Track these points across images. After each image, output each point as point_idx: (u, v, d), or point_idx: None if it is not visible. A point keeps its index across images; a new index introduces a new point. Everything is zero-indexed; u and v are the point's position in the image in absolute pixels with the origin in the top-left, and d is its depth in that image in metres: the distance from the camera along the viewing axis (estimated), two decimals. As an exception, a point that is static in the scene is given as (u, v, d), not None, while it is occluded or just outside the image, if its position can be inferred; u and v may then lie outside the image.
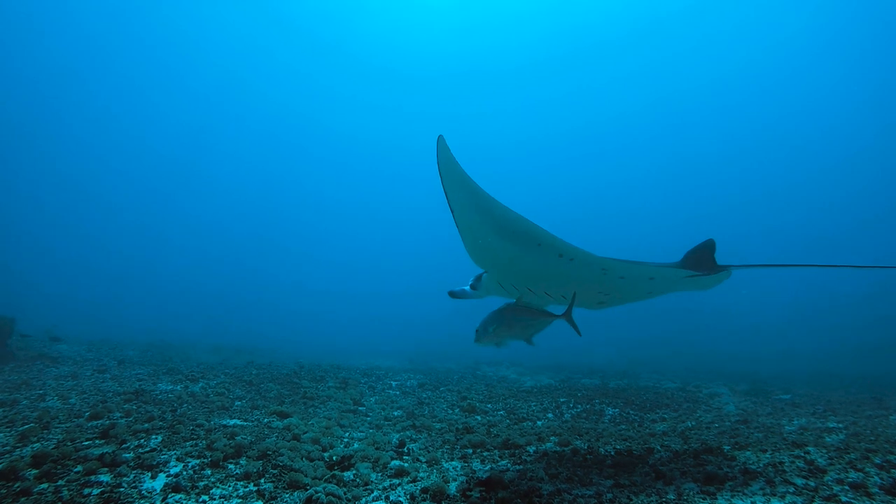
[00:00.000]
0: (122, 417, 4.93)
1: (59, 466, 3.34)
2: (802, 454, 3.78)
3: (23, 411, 5.08)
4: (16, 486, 3.05)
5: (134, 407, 5.41)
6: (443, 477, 3.41)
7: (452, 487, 3.15)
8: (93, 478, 3.19)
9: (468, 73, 49.95)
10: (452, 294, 4.21)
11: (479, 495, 2.98)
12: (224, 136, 52.58)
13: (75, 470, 3.31)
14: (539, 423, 6.56)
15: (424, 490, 3.12)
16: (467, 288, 4.19)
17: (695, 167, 50.75)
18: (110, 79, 45.35)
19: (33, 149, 45.68)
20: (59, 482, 3.12)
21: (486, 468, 3.82)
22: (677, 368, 15.95)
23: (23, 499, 2.88)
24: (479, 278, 4.10)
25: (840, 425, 6.07)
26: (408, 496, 3.06)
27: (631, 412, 7.53)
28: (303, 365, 9.49)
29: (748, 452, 4.06)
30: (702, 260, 3.73)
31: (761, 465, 3.56)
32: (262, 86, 50.09)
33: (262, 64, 48.45)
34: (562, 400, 7.98)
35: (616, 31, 45.63)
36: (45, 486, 3.07)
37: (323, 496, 2.64)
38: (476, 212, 3.07)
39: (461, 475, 3.49)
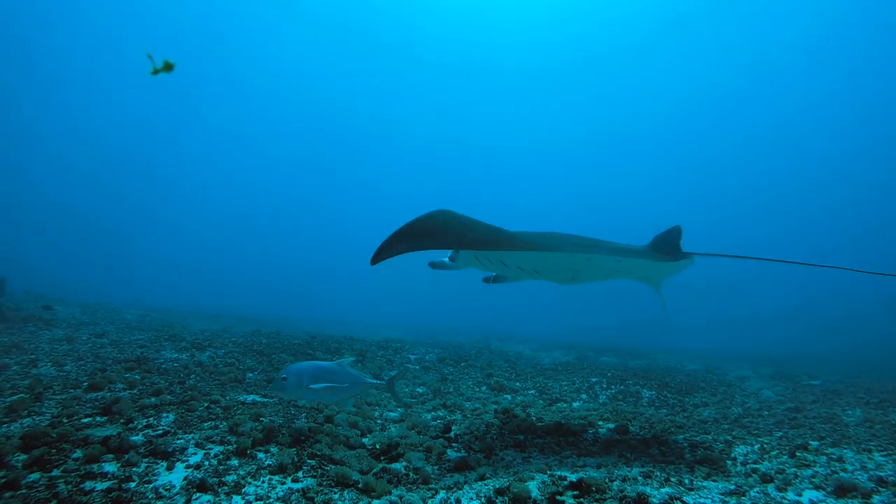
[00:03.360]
0: (125, 389, 4.36)
1: (53, 451, 2.76)
2: (930, 457, 3.26)
3: (12, 378, 4.50)
4: (0, 474, 2.47)
5: (137, 377, 4.83)
6: (515, 474, 2.86)
7: (533, 488, 2.60)
8: (95, 467, 2.61)
9: (482, 70, 49.17)
10: (433, 265, 4.32)
11: (575, 502, 2.43)
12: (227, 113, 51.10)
13: (74, 456, 2.73)
14: (575, 404, 6.07)
15: (500, 491, 2.56)
16: (446, 259, 4.29)
17: (705, 168, 50.75)
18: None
19: (38, 103, 44.19)
20: (55, 472, 2.54)
21: (551, 460, 3.29)
22: (687, 349, 15.58)
23: (7, 493, 2.31)
24: (457, 251, 4.15)
25: (907, 417, 5.60)
26: (483, 499, 2.51)
27: (668, 395, 7.05)
28: (314, 335, 8.92)
29: (848, 451, 3.55)
30: (667, 246, 3.77)
31: (888, 470, 3.04)
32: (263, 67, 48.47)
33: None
34: (593, 380, 7.48)
35: (625, 36, 45.31)
36: (36, 476, 2.49)
37: (401, 509, 2.07)
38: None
39: (534, 471, 2.94)
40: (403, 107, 52.92)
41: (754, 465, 3.26)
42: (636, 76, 47.84)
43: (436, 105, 52.91)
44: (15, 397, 3.79)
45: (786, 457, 3.45)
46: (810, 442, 3.87)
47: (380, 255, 2.98)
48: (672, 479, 2.86)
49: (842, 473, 3.00)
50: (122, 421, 3.40)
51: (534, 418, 4.76)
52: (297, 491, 2.51)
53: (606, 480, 2.70)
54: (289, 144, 55.03)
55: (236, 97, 50.37)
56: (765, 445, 3.78)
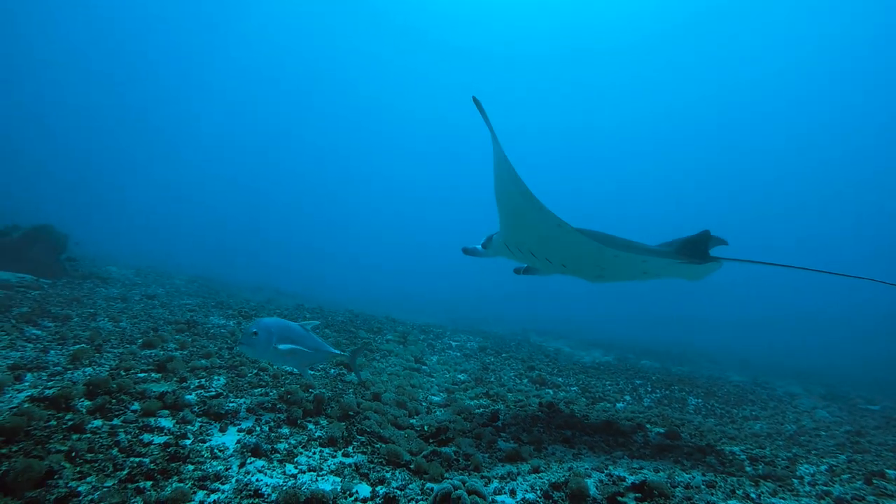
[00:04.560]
0: (177, 349, 4.45)
1: (114, 401, 2.81)
2: None
3: (74, 329, 4.66)
4: (67, 417, 2.52)
5: (188, 339, 4.93)
6: (570, 469, 2.73)
7: (591, 486, 2.48)
8: (152, 421, 2.65)
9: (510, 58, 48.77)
10: (466, 251, 4.41)
11: (637, 506, 2.29)
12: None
13: (132, 408, 2.77)
14: (619, 405, 5.88)
15: (556, 486, 2.45)
16: (479, 247, 4.35)
17: (729, 169, 49.36)
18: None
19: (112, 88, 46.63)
20: (115, 421, 2.59)
21: (604, 459, 3.15)
22: (727, 358, 14.95)
23: (75, 435, 2.35)
24: (489, 239, 4.23)
25: None
26: (539, 493, 2.40)
27: (715, 404, 6.76)
28: (356, 314, 8.98)
29: (932, 482, 3.25)
30: (695, 249, 3.76)
31: (984, 507, 2.77)
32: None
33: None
34: (637, 382, 7.25)
35: (627, 35, 44.48)
36: (98, 423, 2.54)
37: (465, 495, 1.98)
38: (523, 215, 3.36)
39: (590, 469, 2.81)
40: (424, 96, 53.28)
41: (825, 488, 3.04)
42: (637, 75, 47.14)
43: (451, 95, 52.88)
44: (78, 346, 3.91)
45: (860, 482, 3.20)
46: (887, 470, 3.58)
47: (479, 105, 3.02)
48: (738, 492, 2.68)
49: (930, 506, 2.75)
50: (175, 379, 3.45)
51: (579, 415, 4.61)
52: (350, 466, 2.46)
53: (669, 485, 2.54)
54: (314, 134, 56.46)
55: (273, 87, 51.68)
56: (833, 468, 3.52)
